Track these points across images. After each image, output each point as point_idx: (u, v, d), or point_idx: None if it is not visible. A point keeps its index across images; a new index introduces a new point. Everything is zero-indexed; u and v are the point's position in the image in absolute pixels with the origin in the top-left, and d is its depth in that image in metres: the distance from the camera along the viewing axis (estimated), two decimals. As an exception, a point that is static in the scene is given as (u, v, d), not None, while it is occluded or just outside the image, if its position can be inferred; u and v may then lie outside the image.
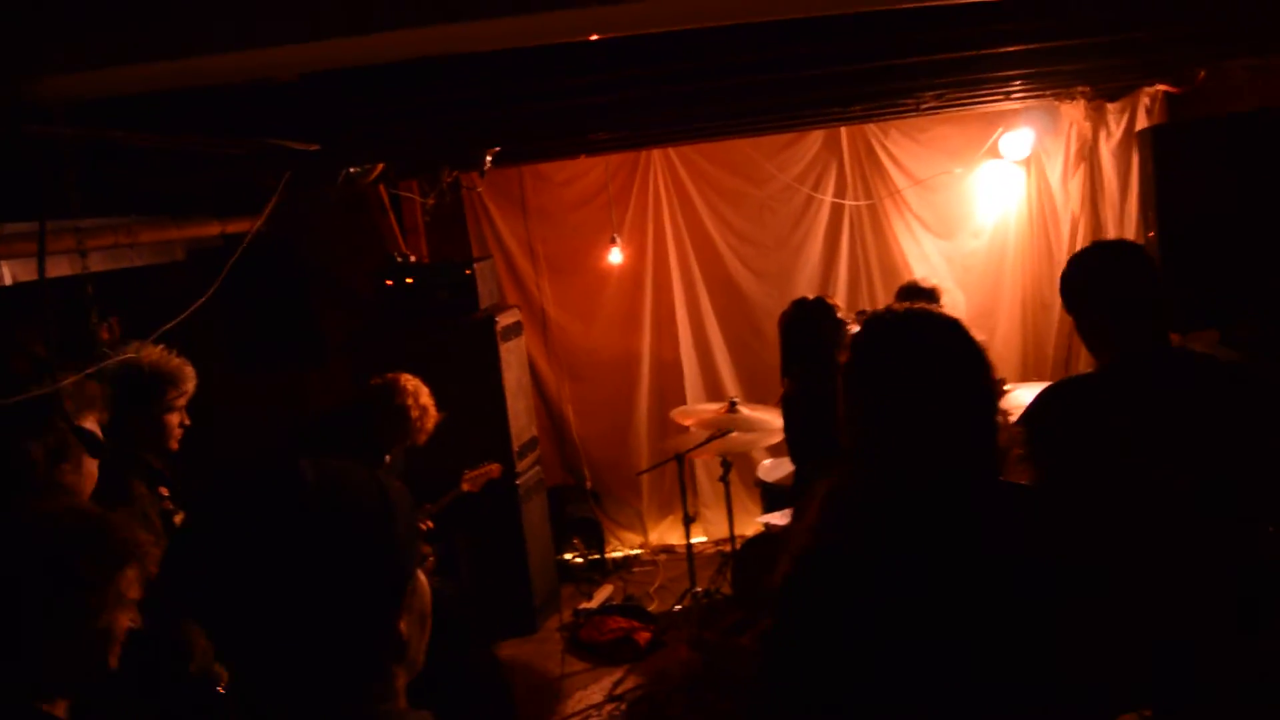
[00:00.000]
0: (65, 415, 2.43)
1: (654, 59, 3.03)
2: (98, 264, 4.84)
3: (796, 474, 4.56)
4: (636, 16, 1.98)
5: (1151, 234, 4.32)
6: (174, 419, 3.52)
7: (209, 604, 1.25)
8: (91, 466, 2.80)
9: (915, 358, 1.85)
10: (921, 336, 1.87)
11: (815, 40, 3.08)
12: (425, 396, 4.59)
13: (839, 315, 4.54)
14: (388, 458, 4.67)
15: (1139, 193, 4.51)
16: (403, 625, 1.30)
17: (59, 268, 4.58)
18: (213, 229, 5.37)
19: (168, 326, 2.53)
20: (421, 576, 1.36)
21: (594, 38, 2.10)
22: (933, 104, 4.93)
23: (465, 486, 5.03)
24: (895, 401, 1.83)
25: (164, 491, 3.45)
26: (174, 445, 3.55)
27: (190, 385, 3.54)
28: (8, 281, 4.37)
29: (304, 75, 2.01)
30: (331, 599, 1.23)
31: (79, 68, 1.51)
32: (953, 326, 1.87)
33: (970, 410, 1.83)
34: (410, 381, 4.59)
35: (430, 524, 4.72)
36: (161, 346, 3.52)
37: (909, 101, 4.73)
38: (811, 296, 4.87)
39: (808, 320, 4.53)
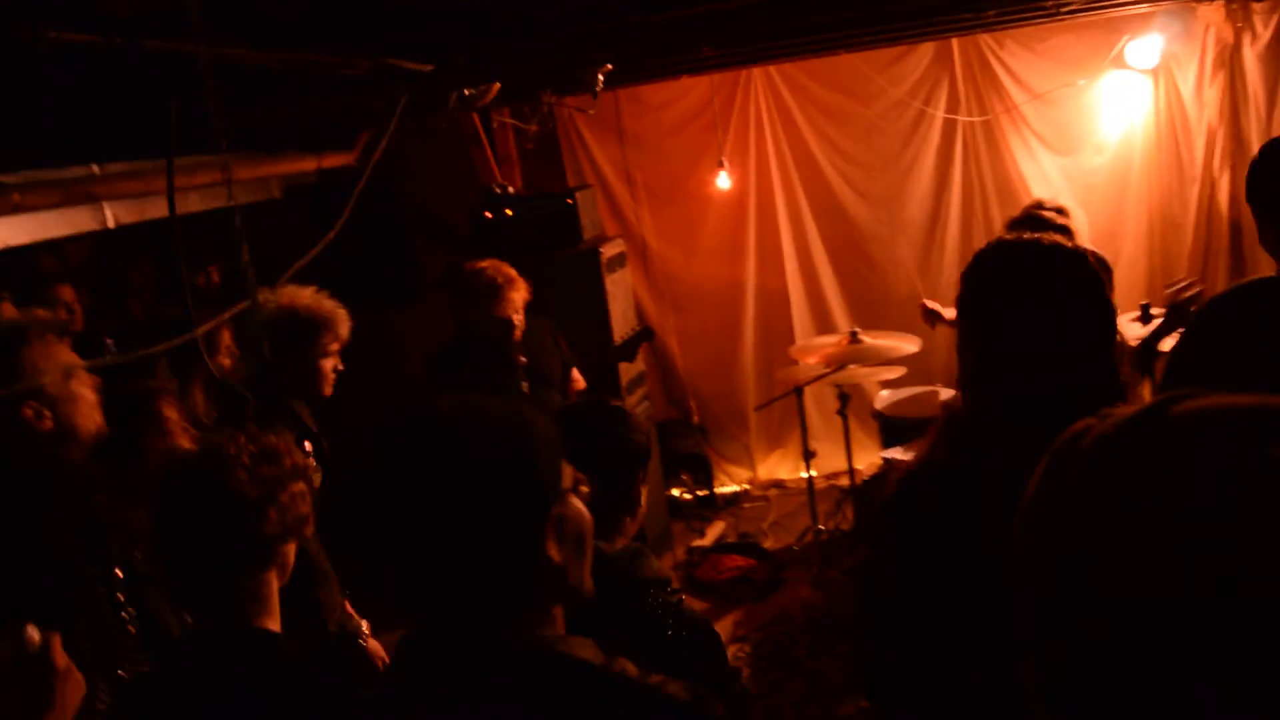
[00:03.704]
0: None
1: None
2: (196, 204, 4.71)
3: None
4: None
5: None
6: (329, 364, 3.42)
7: (365, 542, 1.30)
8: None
9: (1029, 291, 1.78)
10: (1038, 269, 1.80)
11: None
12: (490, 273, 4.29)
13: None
14: (521, 358, 4.41)
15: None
16: (553, 551, 1.30)
17: (158, 209, 4.45)
18: (309, 164, 5.22)
19: (295, 269, 2.34)
20: (575, 502, 1.37)
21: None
22: (1074, 7, 4.53)
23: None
24: (1008, 335, 1.78)
25: (308, 447, 3.32)
26: (328, 390, 3.46)
27: (345, 329, 3.44)
28: (111, 224, 4.25)
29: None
30: (472, 529, 1.26)
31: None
32: (1073, 259, 1.79)
33: (1087, 346, 1.76)
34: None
35: None
36: (313, 289, 3.39)
37: (1049, 3, 4.35)
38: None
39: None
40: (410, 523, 1.27)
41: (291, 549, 1.92)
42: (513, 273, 4.28)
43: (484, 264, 4.30)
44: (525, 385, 4.35)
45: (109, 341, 4.36)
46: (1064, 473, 0.77)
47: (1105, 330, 1.77)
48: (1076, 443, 0.77)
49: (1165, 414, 0.73)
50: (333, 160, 5.32)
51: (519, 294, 4.26)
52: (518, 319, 4.28)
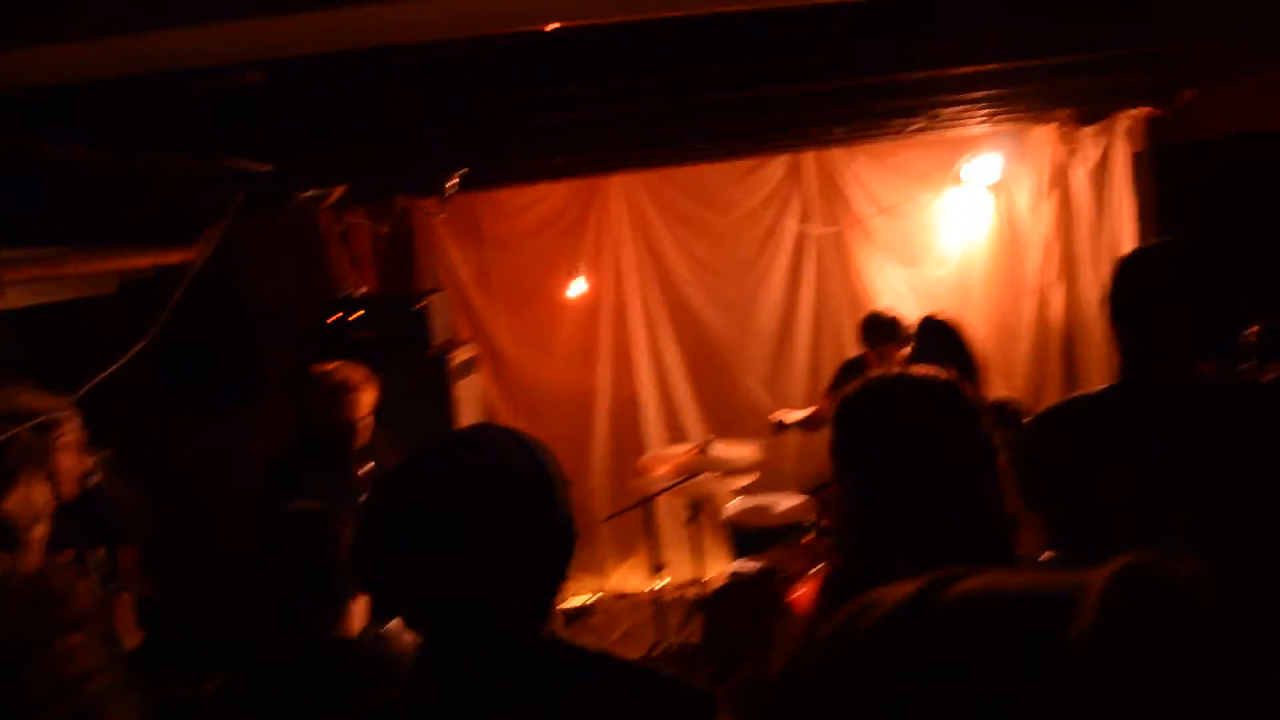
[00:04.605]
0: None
1: (629, 73, 2.77)
2: (17, 299, 4.43)
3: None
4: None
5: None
6: (66, 462, 3.01)
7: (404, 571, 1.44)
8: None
9: (904, 433, 1.67)
10: (916, 408, 1.69)
11: (807, 50, 2.84)
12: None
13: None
14: (367, 465, 4.18)
15: (1138, 216, 4.33)
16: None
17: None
18: (146, 260, 4.97)
19: (104, 375, 2.16)
20: None
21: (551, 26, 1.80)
22: (923, 125, 4.71)
23: None
24: (885, 480, 1.66)
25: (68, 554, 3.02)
26: (69, 489, 3.04)
27: (72, 424, 3.03)
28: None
29: (265, 65, 1.68)
30: (540, 551, 1.49)
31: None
32: (950, 393, 1.70)
33: (966, 486, 1.65)
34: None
35: None
36: (30, 387, 3.00)
37: (897, 122, 4.51)
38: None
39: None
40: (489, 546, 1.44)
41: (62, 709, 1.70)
42: (363, 374, 4.12)
43: (332, 365, 4.13)
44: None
45: None
46: (840, 655, 0.78)
47: (987, 465, 1.66)
48: (855, 624, 0.77)
49: (935, 599, 0.73)
50: (172, 256, 5.08)
51: (369, 396, 4.10)
52: (366, 423, 4.11)
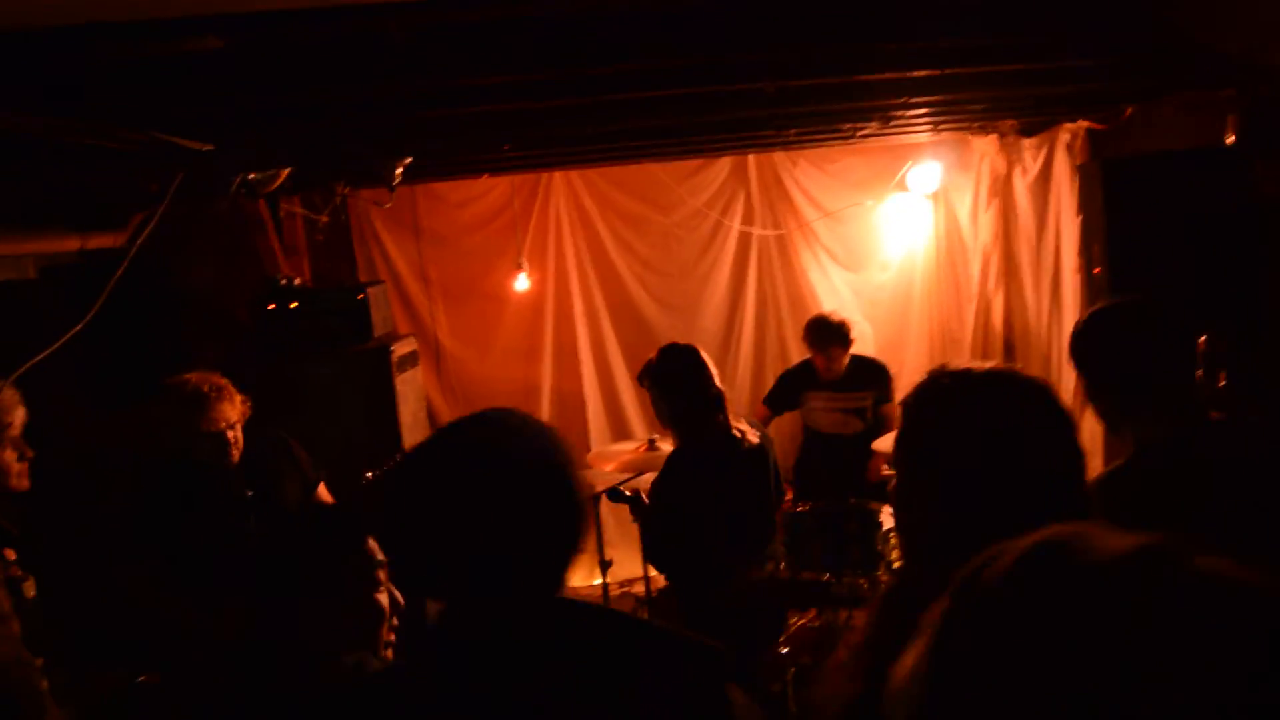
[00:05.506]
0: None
1: (584, 59, 2.70)
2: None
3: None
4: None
5: (1097, 270, 4.16)
6: (8, 455, 2.81)
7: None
8: None
9: (994, 432, 1.49)
10: (1001, 407, 1.51)
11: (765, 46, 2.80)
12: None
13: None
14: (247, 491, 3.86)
15: (1081, 228, 4.35)
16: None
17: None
18: (71, 244, 4.78)
19: (32, 363, 2.02)
20: None
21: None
22: (873, 130, 4.71)
23: None
24: (974, 489, 1.48)
25: (10, 555, 2.83)
26: (16, 483, 2.83)
27: (17, 413, 2.80)
28: None
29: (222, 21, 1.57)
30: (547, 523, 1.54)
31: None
32: (1038, 392, 1.54)
33: (1056, 494, 1.48)
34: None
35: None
36: None
37: (847, 127, 4.49)
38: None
39: None
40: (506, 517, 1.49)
41: None
42: (224, 382, 3.78)
43: (190, 375, 3.81)
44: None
45: None
46: (974, 609, 0.74)
47: (1077, 472, 1.51)
48: (1060, 562, 0.71)
49: (1179, 566, 0.66)
50: (100, 241, 4.89)
51: (232, 406, 3.75)
52: (232, 435, 3.76)
